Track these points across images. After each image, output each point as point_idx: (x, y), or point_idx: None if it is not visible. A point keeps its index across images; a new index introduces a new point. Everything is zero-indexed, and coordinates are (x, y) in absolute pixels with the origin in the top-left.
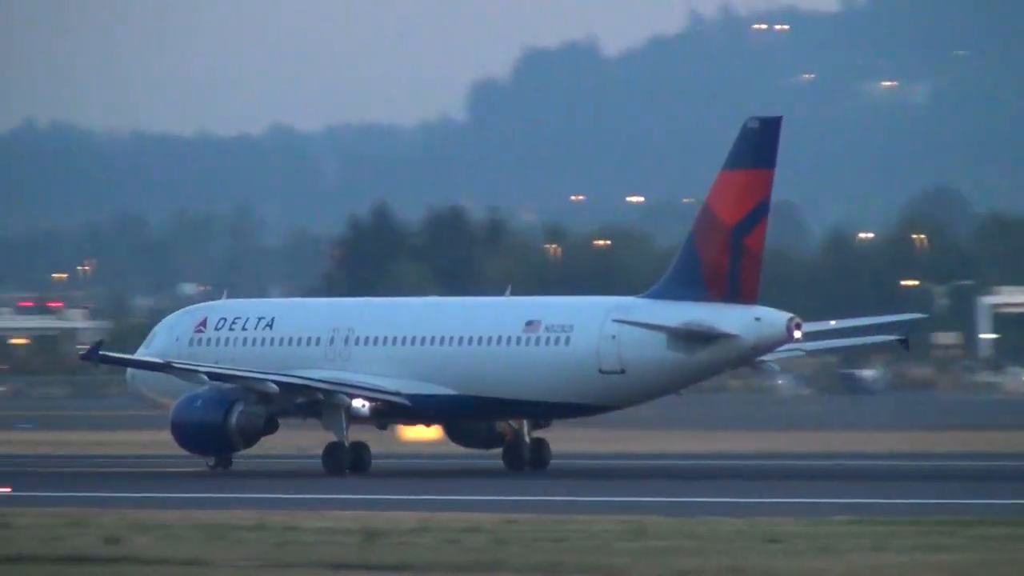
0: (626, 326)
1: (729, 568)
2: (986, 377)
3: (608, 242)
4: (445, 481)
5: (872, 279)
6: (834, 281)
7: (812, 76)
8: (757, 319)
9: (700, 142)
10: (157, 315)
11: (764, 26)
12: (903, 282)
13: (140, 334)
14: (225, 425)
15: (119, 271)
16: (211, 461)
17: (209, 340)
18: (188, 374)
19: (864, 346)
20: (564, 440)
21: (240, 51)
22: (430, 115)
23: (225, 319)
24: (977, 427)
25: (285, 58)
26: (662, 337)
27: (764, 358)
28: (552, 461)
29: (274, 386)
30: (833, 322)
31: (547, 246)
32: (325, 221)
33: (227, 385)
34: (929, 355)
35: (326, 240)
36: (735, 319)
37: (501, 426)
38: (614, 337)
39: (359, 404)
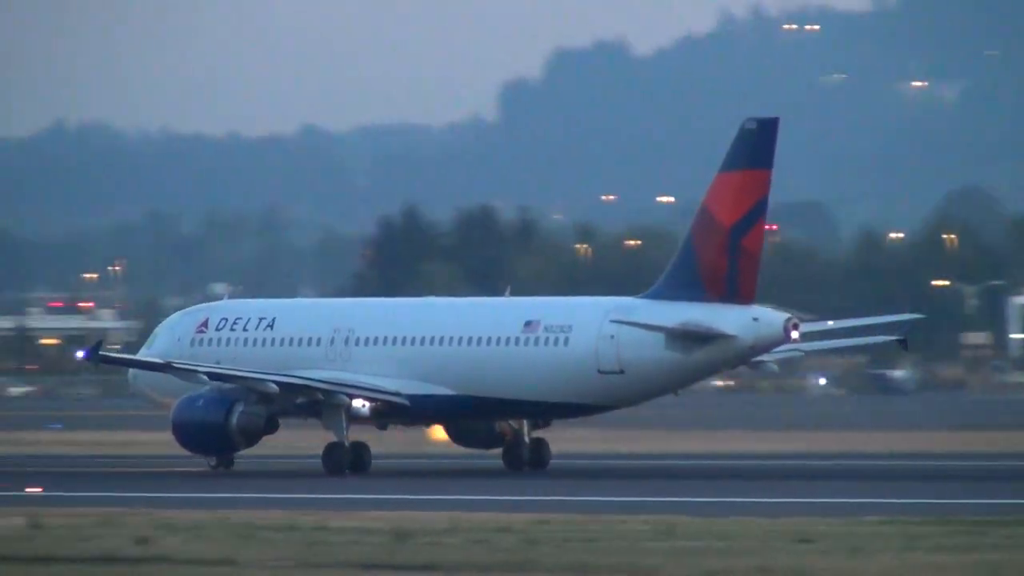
0: (625, 326)
1: (759, 568)
2: (1016, 377)
3: (639, 242)
4: (474, 481)
5: (902, 279)
6: (864, 281)
7: (843, 76)
8: (755, 319)
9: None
10: None
11: (795, 26)
12: (933, 282)
13: None
14: (226, 425)
15: (149, 271)
16: (212, 461)
17: (210, 340)
18: (188, 374)
19: (872, 345)
20: (586, 440)
21: (271, 52)
22: (461, 115)
23: (226, 319)
24: (1007, 427)
25: (315, 59)
26: (660, 337)
27: (762, 358)
28: (552, 461)
29: (274, 386)
30: (831, 322)
31: (577, 246)
32: (355, 221)
33: (228, 385)
34: (959, 355)
35: (356, 240)
36: (733, 319)
37: (501, 426)
38: (612, 337)
39: (359, 404)
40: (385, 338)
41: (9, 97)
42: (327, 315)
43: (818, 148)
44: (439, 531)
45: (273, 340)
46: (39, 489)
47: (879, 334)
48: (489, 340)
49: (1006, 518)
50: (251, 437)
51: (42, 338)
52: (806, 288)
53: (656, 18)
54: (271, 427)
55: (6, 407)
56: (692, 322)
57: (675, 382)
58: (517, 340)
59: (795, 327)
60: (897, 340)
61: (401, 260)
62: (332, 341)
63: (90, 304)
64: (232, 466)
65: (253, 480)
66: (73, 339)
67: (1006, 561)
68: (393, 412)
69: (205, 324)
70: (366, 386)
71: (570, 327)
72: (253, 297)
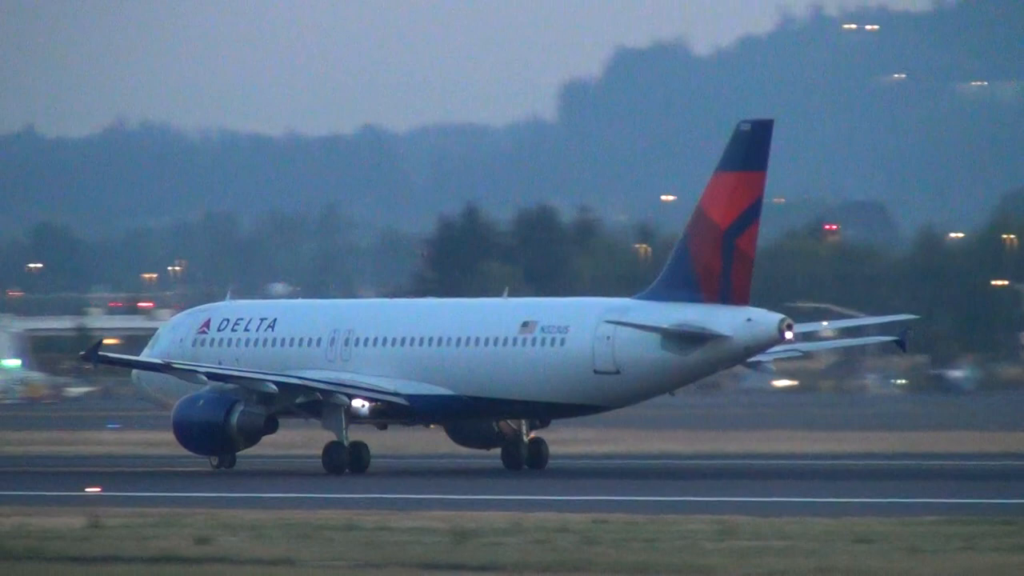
0: (621, 327)
1: (818, 568)
2: None
3: None
4: (533, 481)
5: (961, 279)
6: (923, 281)
7: (902, 76)
8: (749, 320)
9: (790, 141)
10: None
11: (854, 26)
12: (992, 282)
13: None
14: (226, 425)
15: (209, 271)
16: (215, 460)
17: (212, 341)
18: (188, 374)
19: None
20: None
21: (331, 52)
22: (520, 115)
23: (228, 320)
24: None
25: (376, 59)
26: (656, 338)
27: (760, 359)
28: (550, 461)
29: (273, 386)
30: (826, 323)
31: (637, 246)
32: (415, 221)
33: (228, 385)
34: (1019, 355)
35: (416, 240)
36: (727, 320)
37: (501, 426)
38: (609, 338)
39: (358, 404)
40: (384, 339)
41: (69, 97)
42: (327, 316)
43: (877, 148)
44: (499, 531)
45: (274, 341)
46: (98, 489)
47: (875, 334)
48: (487, 340)
49: None
50: (251, 437)
51: (102, 338)
52: (864, 288)
53: (716, 18)
54: (271, 427)
55: (66, 407)
56: (687, 323)
57: (671, 382)
58: (514, 340)
59: (789, 328)
60: (895, 341)
61: (460, 260)
62: (332, 342)
63: (150, 304)
64: (234, 466)
65: (313, 480)
66: (133, 339)
67: None
68: (392, 412)
69: (207, 325)
70: (365, 386)
71: (567, 328)
72: (314, 298)
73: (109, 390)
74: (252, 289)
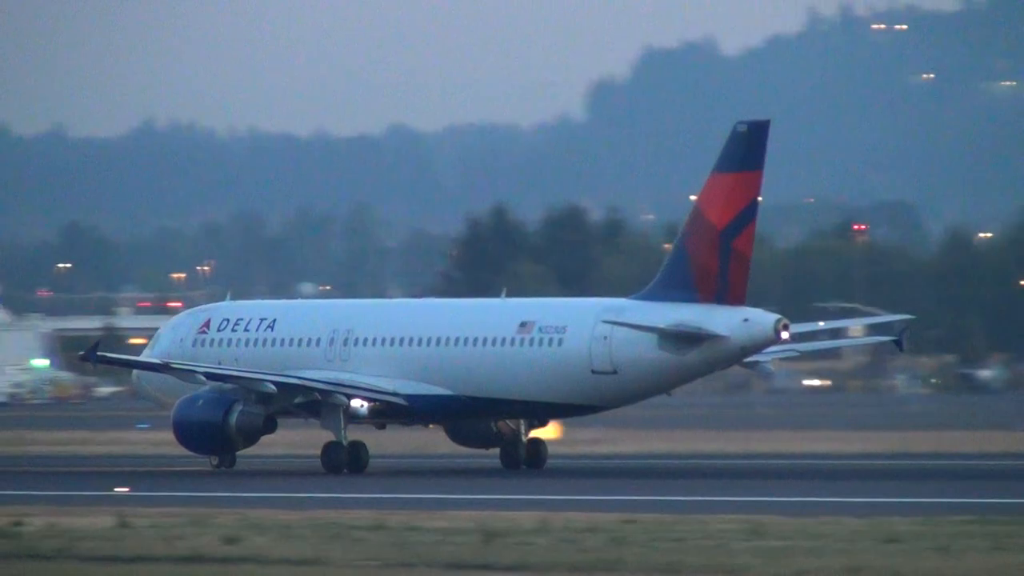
0: (618, 327)
1: (847, 568)
2: None
3: None
4: (563, 481)
5: (990, 279)
6: (952, 280)
7: (931, 76)
8: (745, 320)
9: (819, 141)
10: None
11: (883, 25)
12: (1021, 281)
13: None
14: (225, 425)
15: (238, 271)
16: (215, 460)
17: (212, 341)
18: (186, 374)
19: (855, 345)
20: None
21: (359, 51)
22: (549, 115)
23: (228, 320)
24: None
25: (404, 59)
26: (653, 338)
27: (758, 359)
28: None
29: (271, 386)
30: (821, 323)
31: (666, 246)
32: (444, 221)
33: (228, 385)
34: None
35: (444, 240)
36: (723, 320)
37: (501, 425)
38: (606, 338)
39: (357, 404)
40: (383, 339)
41: (99, 97)
42: (326, 316)
43: (906, 148)
44: (528, 531)
45: (273, 341)
46: (127, 489)
47: (873, 334)
48: (485, 341)
49: None
50: (250, 437)
51: (131, 338)
52: (893, 287)
53: (744, 18)
54: (270, 427)
55: (95, 407)
56: (683, 323)
57: (668, 382)
58: (512, 341)
59: (785, 328)
60: (892, 341)
61: (489, 260)
62: (331, 342)
63: (179, 304)
64: (234, 465)
65: (343, 480)
66: None
67: None
68: (391, 412)
69: (207, 325)
70: (364, 386)
71: (564, 328)
72: (343, 297)
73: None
74: (281, 289)
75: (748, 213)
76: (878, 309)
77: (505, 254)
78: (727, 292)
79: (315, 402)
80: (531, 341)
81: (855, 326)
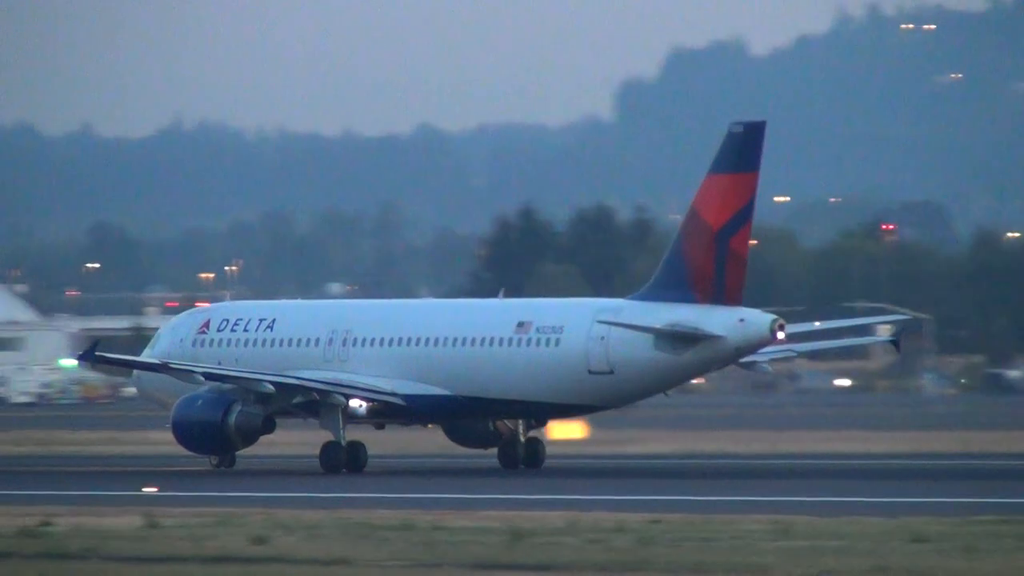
0: (614, 327)
1: (874, 568)
2: None
3: (754, 242)
4: (590, 480)
5: (1018, 279)
6: (980, 280)
7: (959, 76)
8: (741, 320)
9: (847, 141)
10: None
11: (911, 25)
12: None
13: None
14: (224, 425)
15: (266, 271)
16: (214, 460)
17: (211, 341)
18: (185, 375)
19: (852, 346)
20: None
21: (388, 51)
22: (577, 115)
23: (227, 320)
24: None
25: (432, 59)
26: (650, 338)
27: (754, 359)
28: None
29: (270, 386)
30: (818, 323)
31: None
32: (472, 221)
33: (227, 385)
34: None
35: (473, 240)
36: (720, 320)
37: (500, 425)
38: (603, 338)
39: (356, 404)
40: (382, 339)
41: (126, 98)
42: (326, 316)
43: (934, 148)
44: (555, 531)
45: (273, 341)
46: (155, 489)
47: (871, 334)
48: (482, 341)
49: None
50: (248, 437)
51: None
52: (921, 287)
53: (773, 18)
54: (268, 427)
55: (122, 407)
56: (680, 323)
57: (665, 382)
58: (509, 341)
59: (781, 328)
60: (890, 341)
61: (517, 260)
62: (330, 342)
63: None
64: (233, 465)
65: (370, 479)
66: None
67: None
68: (389, 412)
69: (207, 325)
70: (362, 386)
71: (561, 328)
72: (370, 297)
73: None
74: (309, 288)
75: (744, 214)
76: (904, 309)
77: (533, 254)
78: (723, 292)
79: (314, 402)
80: (528, 341)
81: (857, 325)
